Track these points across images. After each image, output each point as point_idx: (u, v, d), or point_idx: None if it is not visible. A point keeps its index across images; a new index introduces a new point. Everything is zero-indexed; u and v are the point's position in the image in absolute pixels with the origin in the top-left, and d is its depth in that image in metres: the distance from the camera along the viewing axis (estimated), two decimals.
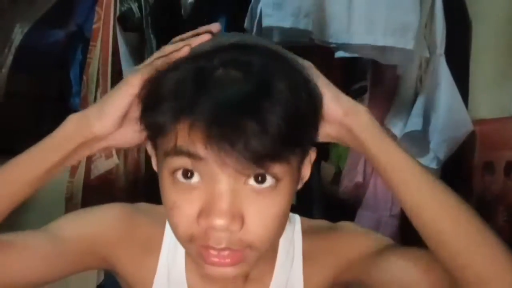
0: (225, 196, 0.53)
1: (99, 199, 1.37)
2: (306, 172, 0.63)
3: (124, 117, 0.59)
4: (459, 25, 1.44)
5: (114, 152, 1.39)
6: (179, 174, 0.55)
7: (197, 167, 0.54)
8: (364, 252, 0.68)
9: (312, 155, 0.63)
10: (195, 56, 0.56)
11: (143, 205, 0.72)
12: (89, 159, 1.41)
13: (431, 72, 1.39)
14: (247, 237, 0.55)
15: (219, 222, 0.53)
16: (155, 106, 0.55)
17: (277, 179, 0.54)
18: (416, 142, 1.39)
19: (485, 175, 1.38)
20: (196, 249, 0.56)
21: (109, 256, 0.67)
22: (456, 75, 1.39)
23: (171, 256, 0.69)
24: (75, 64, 1.58)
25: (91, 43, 1.45)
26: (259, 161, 0.52)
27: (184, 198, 0.55)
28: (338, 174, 1.83)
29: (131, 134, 0.61)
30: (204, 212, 0.54)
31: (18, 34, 1.46)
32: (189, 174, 0.54)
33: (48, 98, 1.95)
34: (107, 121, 0.59)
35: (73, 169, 1.42)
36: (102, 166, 1.39)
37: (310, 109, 0.57)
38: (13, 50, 1.46)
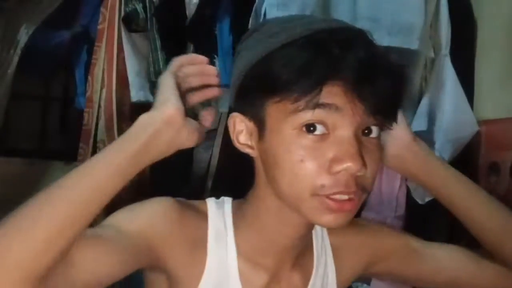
0: (355, 143, 0.61)
1: None
2: None
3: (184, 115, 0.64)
4: (464, 25, 1.43)
5: None
6: (304, 129, 0.61)
7: (330, 118, 0.61)
8: (397, 245, 0.80)
9: None
10: (308, 34, 0.62)
11: (182, 200, 0.74)
12: None
13: (436, 72, 1.38)
14: (365, 181, 0.63)
15: (355, 165, 0.60)
16: (299, 71, 0.60)
17: (378, 134, 0.64)
18: None
19: (491, 175, 1.37)
20: (320, 200, 0.62)
21: (162, 250, 0.68)
22: (461, 75, 1.38)
23: (220, 249, 0.71)
24: (80, 64, 1.59)
25: (96, 43, 1.46)
26: (380, 116, 0.62)
27: (312, 150, 0.62)
28: None
29: (193, 132, 0.65)
30: (337, 159, 0.61)
31: (23, 35, 1.47)
32: (311, 128, 0.61)
33: (53, 98, 1.96)
34: (172, 101, 0.63)
35: None
36: None
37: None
38: (18, 51, 1.47)
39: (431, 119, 1.36)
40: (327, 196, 0.61)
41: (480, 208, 0.77)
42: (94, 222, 0.65)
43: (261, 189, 0.70)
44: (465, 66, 1.43)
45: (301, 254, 0.74)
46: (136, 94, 1.57)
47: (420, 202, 1.50)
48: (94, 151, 1.43)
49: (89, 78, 1.46)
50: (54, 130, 1.95)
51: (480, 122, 1.39)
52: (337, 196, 0.61)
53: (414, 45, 1.25)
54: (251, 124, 0.67)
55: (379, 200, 1.63)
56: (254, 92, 0.65)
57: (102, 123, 1.42)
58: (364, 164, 0.61)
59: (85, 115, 1.46)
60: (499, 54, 1.40)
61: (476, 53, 1.46)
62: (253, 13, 1.31)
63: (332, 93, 0.60)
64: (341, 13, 1.25)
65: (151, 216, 0.68)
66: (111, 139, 1.41)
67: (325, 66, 0.60)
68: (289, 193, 0.64)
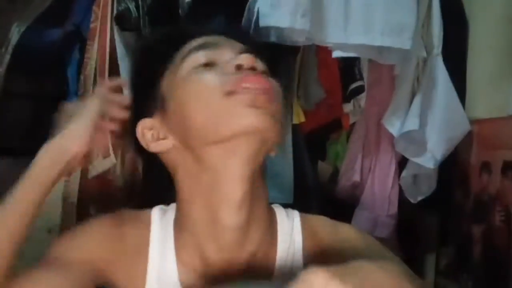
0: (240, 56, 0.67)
1: (95, 198, 1.37)
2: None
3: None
4: (456, 25, 1.44)
5: (111, 151, 1.39)
6: (198, 67, 0.67)
7: (213, 54, 0.67)
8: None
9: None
10: None
11: (125, 213, 0.74)
12: None
13: (428, 72, 1.39)
14: (269, 83, 0.65)
15: (246, 56, 0.65)
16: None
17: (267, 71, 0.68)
18: (413, 142, 1.39)
19: (482, 175, 1.38)
20: (233, 97, 0.62)
21: (106, 269, 0.69)
22: (453, 75, 1.39)
23: (161, 258, 0.69)
24: (72, 63, 1.58)
25: (88, 42, 1.45)
26: (252, 52, 0.67)
27: (209, 71, 0.66)
28: (335, 173, 1.84)
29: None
30: (231, 60, 0.66)
31: (15, 34, 1.46)
32: (204, 65, 0.67)
33: (46, 98, 1.95)
34: (84, 140, 0.70)
35: None
36: (99, 165, 1.39)
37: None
38: (10, 49, 1.46)
39: (423, 118, 1.37)
40: (238, 89, 0.62)
41: None
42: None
43: (184, 183, 0.68)
44: (457, 66, 1.44)
45: (258, 248, 0.68)
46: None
47: (412, 201, 1.51)
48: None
49: (81, 77, 1.45)
50: (46, 129, 1.94)
51: (472, 122, 1.40)
52: (248, 84, 0.62)
53: (406, 45, 1.26)
54: (155, 115, 0.69)
55: (372, 199, 1.63)
56: (148, 78, 0.70)
57: None
58: (256, 58, 0.66)
59: None
60: (490, 54, 1.41)
61: (468, 53, 1.46)
62: (246, 13, 1.31)
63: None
64: (333, 13, 1.25)
65: (91, 241, 0.70)
66: None
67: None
68: (205, 118, 0.63)
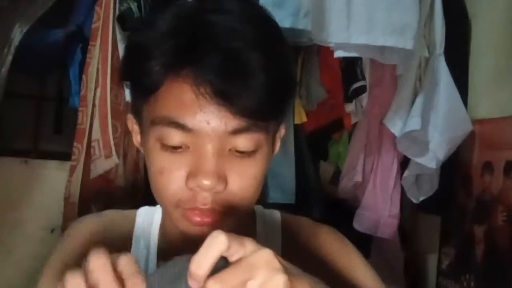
0: (211, 159, 0.57)
1: (97, 198, 1.37)
2: (277, 145, 0.66)
3: None
4: (458, 24, 1.44)
5: (113, 151, 1.39)
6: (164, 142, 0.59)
7: (186, 138, 0.57)
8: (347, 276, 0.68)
9: (282, 130, 0.66)
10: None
11: (110, 213, 0.73)
12: (89, 159, 1.41)
13: (431, 71, 1.39)
14: (230, 197, 0.59)
15: (206, 182, 0.56)
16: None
17: (256, 147, 0.59)
18: (415, 142, 1.39)
19: (485, 175, 1.38)
20: (181, 212, 0.60)
21: None
22: (455, 74, 1.39)
23: (143, 256, 0.69)
24: (74, 63, 1.59)
25: (90, 42, 1.45)
26: (239, 133, 0.57)
27: (171, 163, 0.59)
28: (337, 173, 1.84)
29: None
30: (192, 175, 0.58)
31: (17, 34, 1.46)
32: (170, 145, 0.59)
33: (48, 98, 1.96)
34: None
35: (72, 168, 1.42)
36: (101, 165, 1.40)
37: (286, 80, 0.61)
38: (12, 50, 1.46)
39: (426, 118, 1.37)
40: (187, 209, 0.59)
41: None
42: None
43: None
44: (459, 66, 1.44)
45: None
46: None
47: (414, 201, 1.51)
48: (88, 151, 1.42)
49: (84, 77, 1.45)
50: (48, 130, 1.94)
51: (474, 122, 1.39)
52: (197, 211, 0.59)
53: (408, 45, 1.26)
54: (136, 125, 0.65)
55: (374, 199, 1.63)
56: (132, 89, 0.63)
57: (96, 122, 1.42)
58: (220, 181, 0.57)
59: (80, 114, 1.45)
60: (493, 54, 1.40)
61: (470, 53, 1.46)
62: None
63: (180, 110, 0.56)
64: (335, 13, 1.25)
65: (77, 247, 0.69)
66: (105, 138, 1.41)
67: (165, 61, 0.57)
68: (158, 201, 0.63)
